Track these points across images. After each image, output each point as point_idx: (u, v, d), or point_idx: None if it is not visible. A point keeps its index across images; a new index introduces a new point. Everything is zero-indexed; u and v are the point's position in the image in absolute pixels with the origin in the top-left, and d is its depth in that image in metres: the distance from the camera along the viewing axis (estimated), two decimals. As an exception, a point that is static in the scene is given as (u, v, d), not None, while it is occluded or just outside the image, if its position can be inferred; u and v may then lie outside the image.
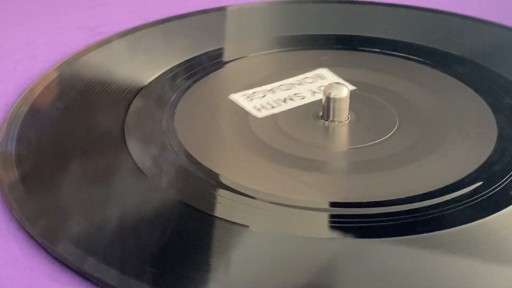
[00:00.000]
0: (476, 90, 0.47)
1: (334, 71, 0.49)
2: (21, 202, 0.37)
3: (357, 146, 0.42)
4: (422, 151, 0.42)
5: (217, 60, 0.51)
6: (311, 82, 0.46)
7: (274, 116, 0.45)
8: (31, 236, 0.36)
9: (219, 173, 0.39)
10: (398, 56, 0.51)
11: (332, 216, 0.37)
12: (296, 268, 0.34)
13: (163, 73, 0.49)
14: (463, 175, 0.39)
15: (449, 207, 0.37)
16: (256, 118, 0.44)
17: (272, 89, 0.46)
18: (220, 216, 0.36)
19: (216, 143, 0.43)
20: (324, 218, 0.37)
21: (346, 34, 0.54)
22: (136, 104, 0.45)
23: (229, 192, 0.38)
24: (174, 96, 0.47)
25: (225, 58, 0.52)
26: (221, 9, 0.58)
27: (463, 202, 0.37)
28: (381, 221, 0.36)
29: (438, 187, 0.38)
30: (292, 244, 0.35)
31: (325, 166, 0.41)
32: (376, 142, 0.42)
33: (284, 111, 0.45)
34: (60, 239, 0.35)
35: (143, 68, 0.49)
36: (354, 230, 0.36)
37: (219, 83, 0.49)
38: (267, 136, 0.43)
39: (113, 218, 0.37)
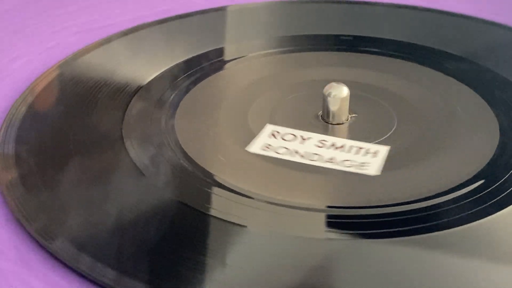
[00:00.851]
0: (476, 90, 0.47)
1: (334, 71, 0.49)
2: (20, 201, 0.38)
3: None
4: (421, 151, 0.42)
5: (217, 60, 0.51)
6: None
7: (273, 116, 0.45)
8: (29, 235, 0.36)
9: (217, 173, 0.39)
10: (398, 56, 0.51)
11: (330, 216, 0.37)
12: (293, 268, 0.34)
13: (162, 73, 0.49)
14: (463, 175, 0.39)
15: (449, 207, 0.37)
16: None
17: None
18: (217, 216, 0.36)
19: (214, 143, 0.43)
20: (322, 218, 0.37)
21: (346, 34, 0.54)
22: (135, 104, 0.45)
23: (227, 192, 0.38)
24: (173, 96, 0.46)
25: (225, 58, 0.52)
26: (221, 9, 0.58)
27: (463, 202, 0.37)
28: (380, 222, 0.36)
29: (437, 187, 0.38)
30: (290, 244, 0.35)
31: (323, 166, 0.41)
32: (376, 143, 0.42)
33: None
34: (58, 238, 0.35)
35: (143, 68, 0.49)
36: (352, 231, 0.36)
37: (219, 83, 0.49)
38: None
39: (111, 218, 0.37)
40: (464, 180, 0.39)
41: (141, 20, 0.56)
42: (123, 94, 0.46)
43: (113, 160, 0.41)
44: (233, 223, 0.36)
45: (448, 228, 0.36)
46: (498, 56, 0.51)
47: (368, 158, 0.40)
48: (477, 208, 0.37)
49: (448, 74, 0.49)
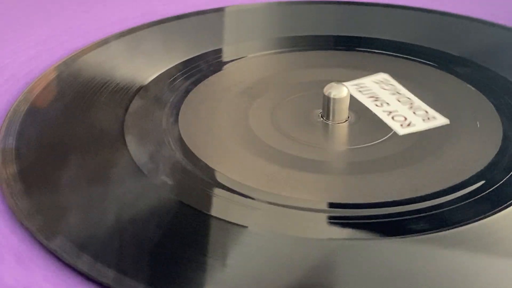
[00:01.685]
0: (476, 90, 0.47)
1: (334, 72, 0.49)
2: (19, 198, 0.38)
3: (356, 146, 0.42)
4: (422, 151, 0.42)
5: (216, 60, 0.51)
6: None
7: (274, 116, 0.45)
8: (28, 232, 0.36)
9: (217, 173, 0.39)
10: (398, 57, 0.51)
11: (330, 216, 0.37)
12: (294, 268, 0.34)
13: (162, 73, 0.49)
14: (464, 175, 0.39)
15: (449, 207, 0.37)
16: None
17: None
18: (218, 216, 0.36)
19: (215, 143, 0.42)
20: (323, 218, 0.37)
21: (346, 34, 0.54)
22: (135, 103, 0.45)
23: (228, 192, 0.38)
24: (172, 96, 0.46)
25: (224, 58, 0.52)
26: (220, 10, 0.58)
27: (463, 202, 0.37)
28: (381, 222, 0.36)
29: (438, 187, 0.38)
30: (291, 244, 0.35)
31: (324, 166, 0.41)
32: (376, 143, 0.42)
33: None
34: (57, 235, 0.35)
35: (142, 68, 0.49)
36: (352, 231, 0.36)
37: (219, 84, 0.49)
38: (267, 136, 0.43)
39: (110, 216, 0.36)
40: (466, 181, 0.39)
41: (140, 21, 0.56)
42: (123, 94, 0.46)
43: (113, 159, 0.40)
44: (234, 223, 0.36)
45: (450, 228, 0.36)
46: (498, 56, 0.51)
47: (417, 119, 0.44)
48: (478, 208, 0.37)
49: (447, 74, 0.49)
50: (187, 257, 0.34)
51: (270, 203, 0.37)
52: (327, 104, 0.44)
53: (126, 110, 0.45)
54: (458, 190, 0.38)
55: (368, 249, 0.35)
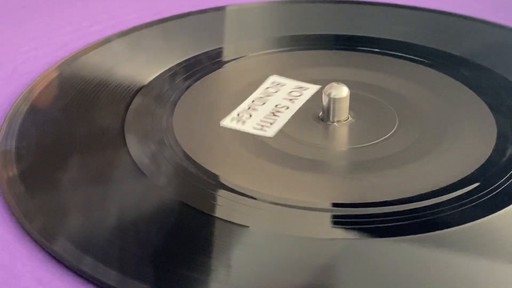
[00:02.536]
0: (476, 90, 0.47)
1: (333, 72, 0.49)
2: (20, 199, 0.38)
3: (357, 146, 0.42)
4: (421, 151, 0.42)
5: (217, 59, 0.51)
6: (276, 92, 0.45)
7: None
8: (29, 234, 0.36)
9: (218, 173, 0.39)
10: (398, 56, 0.51)
11: (332, 216, 0.37)
12: (296, 268, 0.34)
13: (162, 73, 0.49)
14: (463, 175, 0.39)
15: (448, 207, 0.37)
16: (268, 137, 0.43)
17: (250, 108, 0.44)
18: (220, 217, 0.36)
19: (215, 143, 0.43)
20: (325, 218, 0.37)
21: (346, 34, 0.54)
22: (136, 103, 0.45)
23: (229, 192, 0.38)
24: (173, 95, 0.46)
25: (225, 58, 0.52)
26: (221, 9, 0.58)
27: (462, 202, 0.37)
28: (381, 221, 0.36)
29: (437, 187, 0.38)
30: (293, 244, 0.35)
31: (325, 166, 0.41)
32: (376, 142, 0.42)
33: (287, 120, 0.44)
34: (58, 237, 0.35)
35: (143, 68, 0.49)
36: (354, 230, 0.36)
37: (219, 83, 0.49)
38: (267, 136, 0.43)
39: (111, 217, 0.37)
40: (464, 180, 0.39)
41: (141, 20, 0.56)
42: (124, 94, 0.46)
43: (114, 159, 0.40)
44: (236, 224, 0.36)
45: (448, 228, 0.36)
46: (498, 56, 0.51)
47: (287, 87, 0.44)
48: (477, 208, 0.37)
49: (448, 74, 0.49)
50: (189, 258, 0.34)
51: (271, 203, 0.37)
52: (327, 104, 0.44)
53: (127, 109, 0.45)
54: (456, 190, 0.38)
55: (369, 249, 0.35)
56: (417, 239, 0.35)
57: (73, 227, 0.36)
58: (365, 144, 0.42)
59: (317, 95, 0.45)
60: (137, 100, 0.46)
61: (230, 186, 0.38)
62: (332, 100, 0.43)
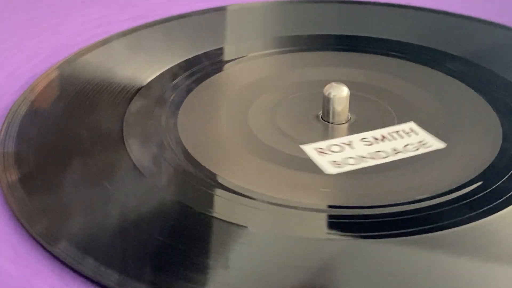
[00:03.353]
0: (476, 90, 0.47)
1: (334, 72, 0.49)
2: (21, 201, 0.37)
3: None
4: (421, 152, 0.42)
5: (217, 60, 0.51)
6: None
7: (274, 116, 0.45)
8: (30, 236, 0.36)
9: (218, 173, 0.39)
10: (398, 57, 0.51)
11: (330, 217, 0.37)
12: (294, 268, 0.34)
13: (162, 73, 0.49)
14: (463, 176, 0.39)
15: (448, 207, 0.37)
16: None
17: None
18: (218, 217, 0.36)
19: (215, 143, 0.42)
20: (323, 218, 0.37)
21: (346, 34, 0.54)
22: (136, 103, 0.45)
23: (228, 192, 0.38)
24: (173, 96, 0.46)
25: (225, 58, 0.52)
26: (221, 9, 0.58)
27: (463, 202, 0.37)
28: (381, 222, 0.36)
29: (438, 188, 0.38)
30: (291, 244, 0.35)
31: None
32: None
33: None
34: (59, 239, 0.35)
35: (143, 68, 0.49)
36: (352, 231, 0.36)
37: (219, 84, 0.49)
38: (267, 136, 0.43)
39: (112, 219, 0.37)
40: (464, 181, 0.39)
41: (141, 20, 0.56)
42: (124, 94, 0.46)
43: (114, 160, 0.40)
44: (234, 224, 0.36)
45: (448, 228, 0.36)
46: (498, 56, 0.51)
47: (415, 137, 0.42)
48: (477, 209, 0.37)
49: (448, 75, 0.49)
50: (188, 258, 0.34)
51: (270, 203, 0.37)
52: (327, 104, 0.44)
53: (127, 109, 0.45)
54: (457, 191, 0.38)
55: (367, 250, 0.35)
56: (417, 240, 0.35)
57: (74, 228, 0.36)
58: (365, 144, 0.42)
59: (317, 95, 0.45)
60: (137, 101, 0.46)
61: (229, 186, 0.38)
62: (332, 100, 0.43)
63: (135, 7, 0.59)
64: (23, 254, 0.35)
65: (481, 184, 0.39)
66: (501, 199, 0.38)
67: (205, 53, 0.51)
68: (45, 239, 0.35)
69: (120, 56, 0.51)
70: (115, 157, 0.41)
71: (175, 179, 0.39)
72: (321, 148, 0.41)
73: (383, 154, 0.41)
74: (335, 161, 0.40)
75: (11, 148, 0.41)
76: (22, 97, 0.46)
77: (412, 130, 0.42)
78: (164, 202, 0.38)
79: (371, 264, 0.34)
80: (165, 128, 0.43)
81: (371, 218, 0.37)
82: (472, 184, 0.39)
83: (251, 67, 0.51)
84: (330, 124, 0.44)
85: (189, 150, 0.41)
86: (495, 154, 0.41)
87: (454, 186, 0.39)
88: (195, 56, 0.51)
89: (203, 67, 0.50)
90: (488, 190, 0.38)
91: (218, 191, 0.38)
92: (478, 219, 0.36)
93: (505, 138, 0.42)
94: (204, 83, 0.48)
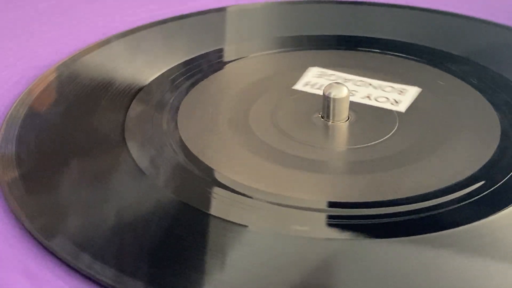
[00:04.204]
0: (476, 90, 0.47)
1: (334, 71, 0.49)
2: (21, 201, 0.38)
3: (357, 146, 0.42)
4: (422, 151, 0.42)
5: (217, 60, 0.51)
6: (390, 92, 0.46)
7: (274, 116, 0.45)
8: (30, 235, 0.36)
9: (217, 172, 0.39)
10: (398, 56, 0.51)
11: (330, 216, 0.37)
12: (294, 268, 0.34)
13: (163, 74, 0.49)
14: (464, 175, 0.39)
15: (449, 207, 0.37)
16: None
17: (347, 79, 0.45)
18: (218, 216, 0.36)
19: (215, 143, 0.43)
20: (323, 218, 0.37)
21: (346, 34, 0.54)
22: (136, 104, 0.45)
23: (228, 191, 0.38)
24: (174, 96, 0.47)
25: (225, 58, 0.52)
26: (221, 9, 0.58)
27: (464, 202, 0.37)
28: (381, 222, 0.36)
29: (438, 187, 0.38)
30: (291, 244, 0.35)
31: (324, 166, 0.41)
32: (376, 142, 0.42)
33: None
34: (59, 238, 0.35)
35: (143, 69, 0.49)
36: (352, 231, 0.36)
37: (219, 84, 0.49)
38: (267, 135, 0.43)
39: (111, 217, 0.37)
40: (465, 180, 0.39)
41: (141, 21, 0.56)
42: (124, 95, 0.46)
43: (114, 159, 0.41)
44: (234, 223, 0.36)
45: (449, 228, 0.36)
46: (498, 56, 0.51)
47: (399, 96, 0.44)
48: (478, 209, 0.37)
49: (448, 74, 0.49)
50: (187, 257, 0.34)
51: (270, 202, 0.37)
52: (327, 104, 0.44)
53: (127, 111, 0.45)
54: (457, 191, 0.38)
55: (367, 249, 0.35)
56: (417, 240, 0.35)
57: (72, 226, 0.36)
58: (365, 144, 0.42)
59: (318, 95, 0.45)
60: (137, 101, 0.46)
61: (229, 185, 0.38)
62: (332, 100, 0.43)
63: (135, 7, 0.59)
64: (21, 253, 0.35)
65: (482, 184, 0.39)
66: (502, 199, 0.38)
67: (205, 54, 0.52)
68: (45, 237, 0.35)
69: (120, 57, 0.51)
70: (116, 156, 0.41)
71: (175, 177, 0.39)
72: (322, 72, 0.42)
73: (355, 93, 0.44)
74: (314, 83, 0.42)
75: (10, 150, 0.41)
76: (21, 98, 0.46)
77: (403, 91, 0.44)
78: (163, 200, 0.38)
79: (371, 264, 0.34)
80: (166, 128, 0.43)
81: (371, 218, 0.37)
82: (472, 184, 0.39)
83: (251, 68, 0.51)
84: (330, 124, 0.44)
85: (190, 150, 0.41)
86: (496, 154, 0.41)
87: (455, 186, 0.39)
88: (196, 57, 0.51)
89: (203, 68, 0.50)
90: (488, 190, 0.38)
91: (218, 190, 0.38)
92: (478, 219, 0.36)
93: (505, 137, 0.42)
94: (204, 84, 0.48)
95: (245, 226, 0.36)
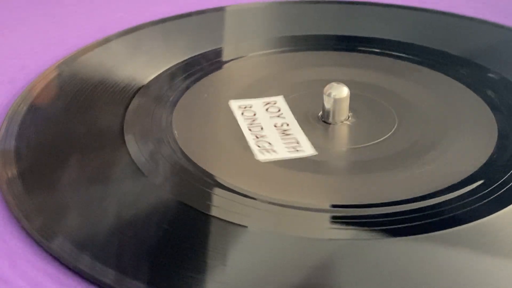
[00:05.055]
0: (475, 90, 0.47)
1: (333, 72, 0.49)
2: (19, 198, 0.38)
3: (357, 146, 0.42)
4: (421, 151, 0.42)
5: (216, 60, 0.51)
6: (254, 115, 0.45)
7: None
8: (28, 233, 0.36)
9: (217, 173, 0.39)
10: (398, 57, 0.51)
11: (331, 216, 0.37)
12: (294, 269, 0.34)
13: (162, 73, 0.49)
14: (463, 175, 0.39)
15: (449, 206, 0.37)
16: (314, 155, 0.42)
17: (259, 137, 0.43)
18: (218, 216, 0.36)
19: (214, 143, 0.42)
20: (323, 218, 0.37)
21: (346, 34, 0.54)
22: (135, 103, 0.45)
23: (228, 192, 0.38)
24: (172, 95, 0.46)
25: (224, 58, 0.52)
26: (220, 9, 0.58)
27: (463, 201, 0.37)
28: (381, 222, 0.36)
29: (438, 187, 0.38)
30: (291, 244, 0.35)
31: (324, 166, 0.41)
32: (376, 142, 0.42)
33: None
34: (57, 236, 0.35)
35: (142, 68, 0.49)
36: (353, 231, 0.36)
37: (218, 83, 0.49)
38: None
39: (110, 217, 0.37)
40: (465, 180, 0.39)
41: (141, 20, 0.56)
42: (123, 94, 0.46)
43: (113, 159, 0.40)
44: (234, 223, 0.36)
45: (450, 227, 0.36)
46: (498, 56, 0.51)
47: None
48: (478, 207, 0.37)
49: (448, 75, 0.49)
50: (186, 257, 0.34)
51: (270, 203, 0.37)
52: (327, 104, 0.44)
53: (126, 109, 0.45)
54: (457, 190, 0.38)
55: (368, 249, 0.35)
56: (416, 239, 0.35)
57: (71, 226, 0.36)
58: (365, 144, 0.42)
59: (317, 95, 0.45)
60: (136, 100, 0.46)
61: (228, 186, 0.38)
62: (332, 100, 0.43)
63: (135, 6, 0.59)
64: (19, 251, 0.35)
65: (481, 183, 0.39)
66: (502, 198, 0.38)
67: (204, 53, 0.51)
68: (42, 236, 0.35)
69: (119, 56, 0.51)
70: (115, 156, 0.41)
71: (175, 178, 0.39)
72: (262, 150, 0.41)
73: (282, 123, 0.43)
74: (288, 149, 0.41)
75: (11, 146, 0.41)
76: (22, 96, 0.46)
77: (245, 106, 0.44)
78: (163, 201, 0.37)
79: (371, 264, 0.34)
80: (165, 128, 0.43)
81: (371, 218, 0.37)
82: (472, 183, 0.39)
83: (251, 67, 0.51)
84: (330, 124, 0.44)
85: (190, 150, 0.41)
86: (495, 153, 0.41)
87: (455, 185, 0.39)
88: (195, 56, 0.51)
89: (202, 67, 0.50)
90: (488, 189, 0.38)
91: (218, 191, 0.38)
92: (478, 218, 0.36)
93: (503, 137, 0.42)
94: (204, 83, 0.48)
95: (245, 226, 0.36)
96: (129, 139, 0.42)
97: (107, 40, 0.53)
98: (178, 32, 0.55)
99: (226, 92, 0.47)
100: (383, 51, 0.52)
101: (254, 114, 0.44)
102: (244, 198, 0.38)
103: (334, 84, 0.44)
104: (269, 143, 0.41)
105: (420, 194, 0.38)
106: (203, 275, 0.33)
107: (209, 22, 0.56)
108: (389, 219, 0.36)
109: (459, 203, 0.37)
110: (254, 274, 0.33)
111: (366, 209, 0.37)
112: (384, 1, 0.59)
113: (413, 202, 0.37)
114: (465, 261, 0.34)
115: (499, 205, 0.37)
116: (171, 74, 0.49)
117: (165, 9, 0.58)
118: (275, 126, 0.43)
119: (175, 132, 0.42)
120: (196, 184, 0.39)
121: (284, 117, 0.43)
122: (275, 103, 0.45)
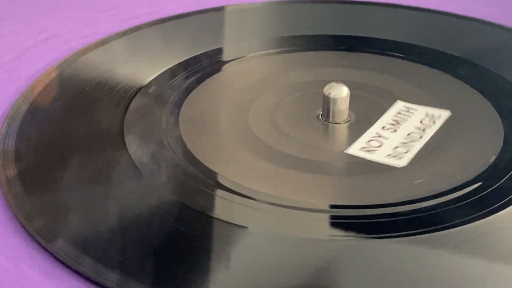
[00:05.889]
0: (476, 90, 0.47)
1: (333, 72, 0.49)
2: (19, 199, 0.38)
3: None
4: (422, 151, 0.42)
5: (216, 60, 0.51)
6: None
7: (273, 116, 0.45)
8: (28, 234, 0.36)
9: (218, 173, 0.39)
10: (398, 57, 0.51)
11: (331, 217, 0.37)
12: (295, 269, 0.34)
13: (162, 73, 0.49)
14: (464, 176, 0.39)
15: (449, 207, 0.37)
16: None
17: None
18: (219, 217, 0.36)
19: (215, 143, 0.42)
20: (324, 219, 0.37)
21: (346, 34, 0.54)
22: (135, 103, 0.45)
23: (228, 193, 0.38)
24: (173, 95, 0.46)
25: (224, 58, 0.52)
26: (220, 9, 0.58)
27: (463, 202, 0.37)
28: (380, 222, 0.36)
29: (438, 188, 0.38)
30: (292, 245, 0.35)
31: (324, 166, 0.41)
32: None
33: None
34: (57, 237, 0.35)
35: (143, 68, 0.49)
36: (353, 231, 0.36)
37: (219, 84, 0.49)
38: (267, 136, 0.43)
39: (110, 218, 0.36)
40: (464, 182, 0.39)
41: (141, 20, 0.56)
42: (123, 94, 0.46)
43: (114, 159, 0.40)
44: (234, 224, 0.36)
45: (449, 228, 0.36)
46: (498, 56, 0.51)
47: (418, 113, 0.43)
48: (476, 209, 0.37)
49: (447, 74, 0.49)
50: (188, 258, 0.34)
51: (270, 203, 0.37)
52: (327, 104, 0.44)
53: (127, 109, 0.45)
54: (457, 191, 0.38)
55: (368, 249, 0.35)
56: (416, 240, 0.35)
57: (72, 227, 0.36)
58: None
59: (317, 95, 0.45)
60: (136, 100, 0.46)
61: (229, 186, 0.38)
62: (332, 100, 0.43)
63: (135, 6, 0.59)
64: (20, 252, 0.35)
65: (480, 184, 0.39)
66: (501, 200, 0.38)
67: (204, 53, 0.52)
68: (42, 236, 0.35)
69: (119, 56, 0.51)
70: (115, 156, 0.41)
71: (175, 179, 0.39)
72: (363, 147, 0.41)
73: (416, 135, 0.42)
74: (389, 154, 0.41)
75: (11, 147, 0.41)
76: (22, 96, 0.46)
77: (408, 109, 0.43)
78: (164, 201, 0.37)
79: (371, 265, 0.34)
80: (165, 128, 0.43)
81: (371, 218, 0.37)
82: (472, 185, 0.39)
83: (251, 67, 0.51)
84: (330, 124, 0.44)
85: (189, 150, 0.41)
86: (496, 154, 0.41)
87: (454, 187, 0.39)
88: (195, 56, 0.51)
89: (202, 67, 0.50)
90: (487, 191, 0.38)
91: (218, 191, 0.38)
92: (478, 220, 0.36)
93: (505, 139, 0.42)
94: (204, 83, 0.48)
95: (245, 227, 0.36)
96: (129, 139, 0.42)
97: (107, 40, 0.53)
98: (178, 32, 0.55)
99: (226, 92, 0.47)
100: (383, 51, 0.52)
101: (406, 119, 0.43)
102: (245, 199, 0.38)
103: (334, 84, 0.44)
104: (379, 146, 0.41)
105: (419, 196, 0.38)
106: (204, 276, 0.33)
107: (209, 22, 0.56)
108: (388, 219, 0.36)
109: (458, 204, 0.37)
110: (255, 274, 0.33)
111: (366, 210, 0.37)
112: (384, 1, 0.59)
113: (413, 203, 0.37)
114: (465, 261, 0.34)
115: (496, 208, 0.37)
116: (172, 74, 0.49)
117: (165, 9, 0.58)
118: (409, 134, 0.42)
119: (182, 133, 0.43)
120: (196, 184, 0.39)
121: (424, 132, 0.42)
122: (435, 116, 0.44)
